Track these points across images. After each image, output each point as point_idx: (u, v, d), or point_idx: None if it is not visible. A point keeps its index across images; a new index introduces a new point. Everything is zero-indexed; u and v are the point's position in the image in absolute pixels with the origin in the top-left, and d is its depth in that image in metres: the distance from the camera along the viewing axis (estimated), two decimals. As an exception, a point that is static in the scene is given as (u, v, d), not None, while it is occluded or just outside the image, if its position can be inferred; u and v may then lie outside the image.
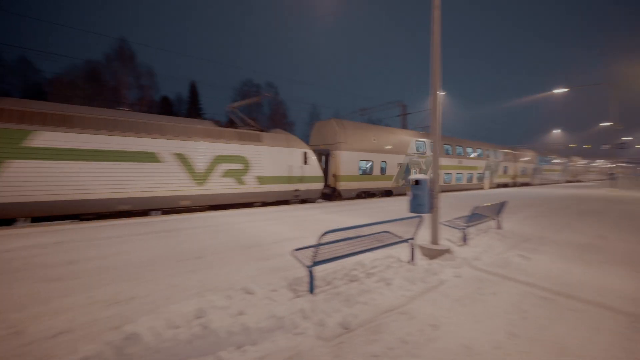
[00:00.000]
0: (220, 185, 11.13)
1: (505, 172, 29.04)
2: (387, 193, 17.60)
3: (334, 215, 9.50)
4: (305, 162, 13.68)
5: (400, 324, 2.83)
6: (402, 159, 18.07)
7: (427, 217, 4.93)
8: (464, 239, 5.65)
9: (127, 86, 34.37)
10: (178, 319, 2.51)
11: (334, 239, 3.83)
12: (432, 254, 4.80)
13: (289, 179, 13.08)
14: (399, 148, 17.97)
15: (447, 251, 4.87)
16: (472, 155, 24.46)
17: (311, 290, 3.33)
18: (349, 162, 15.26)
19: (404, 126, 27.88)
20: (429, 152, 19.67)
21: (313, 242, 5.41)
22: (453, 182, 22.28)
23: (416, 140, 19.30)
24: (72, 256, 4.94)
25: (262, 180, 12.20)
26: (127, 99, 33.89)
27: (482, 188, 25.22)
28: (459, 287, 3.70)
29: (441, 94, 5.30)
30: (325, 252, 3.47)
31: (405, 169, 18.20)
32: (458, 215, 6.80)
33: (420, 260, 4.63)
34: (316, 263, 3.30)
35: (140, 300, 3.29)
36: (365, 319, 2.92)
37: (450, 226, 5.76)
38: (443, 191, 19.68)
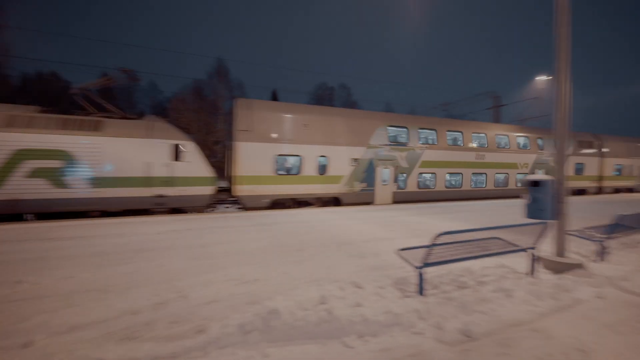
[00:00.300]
0: (24, 189, 8.68)
1: (580, 171, 18.84)
2: (333, 202, 12.41)
3: (421, 217, 9.06)
4: (177, 159, 10.15)
5: (534, 342, 2.53)
6: (359, 152, 12.59)
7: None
8: (600, 254, 4.64)
9: (223, 99, 39.93)
10: (306, 302, 2.82)
11: (441, 242, 3.67)
12: (558, 267, 4.10)
13: (146, 181, 9.82)
14: (354, 137, 12.57)
15: (579, 266, 4.09)
16: (505, 146, 16.28)
17: (421, 292, 3.27)
18: (255, 158, 11.02)
19: (497, 120, 24.49)
20: (413, 143, 13.75)
21: (403, 243, 5.34)
22: (466, 186, 15.24)
23: (388, 127, 13.35)
24: (203, 240, 6.05)
25: (98, 182, 9.36)
26: (223, 110, 39.40)
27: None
28: (607, 311, 3.07)
29: (555, 78, 4.46)
30: (436, 255, 3.36)
31: (367, 168, 12.71)
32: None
33: (543, 274, 4.02)
34: (427, 264, 3.23)
35: (263, 283, 3.80)
36: (488, 329, 2.71)
37: (580, 237, 4.82)
38: (432, 200, 14.19)
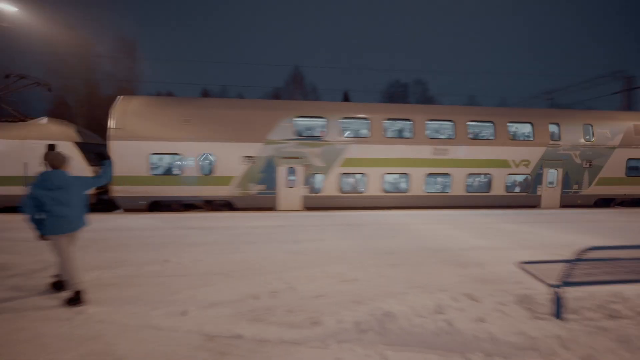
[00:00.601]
0: None
1: (611, 170, 12.56)
2: (227, 205, 11.11)
3: (517, 225, 7.78)
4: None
5: None
6: (254, 149, 10.90)
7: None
8: None
9: (298, 103, 42.52)
10: (421, 309, 2.71)
11: (587, 257, 3.04)
12: None
13: (24, 180, 9.72)
14: (247, 132, 10.94)
15: None
16: (488, 137, 12.19)
17: (558, 315, 2.77)
18: (128, 157, 10.22)
19: (628, 107, 19.32)
20: (332, 137, 11.22)
21: (510, 255, 4.59)
22: (417, 191, 11.63)
23: (295, 118, 11.19)
24: (294, 237, 6.48)
25: None
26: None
27: (534, 204, 12.25)
28: None
29: None
30: (577, 273, 2.80)
31: (265, 167, 10.98)
32: None
33: None
34: (568, 284, 2.71)
35: (364, 283, 3.82)
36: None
37: None
38: (364, 207, 11.16)
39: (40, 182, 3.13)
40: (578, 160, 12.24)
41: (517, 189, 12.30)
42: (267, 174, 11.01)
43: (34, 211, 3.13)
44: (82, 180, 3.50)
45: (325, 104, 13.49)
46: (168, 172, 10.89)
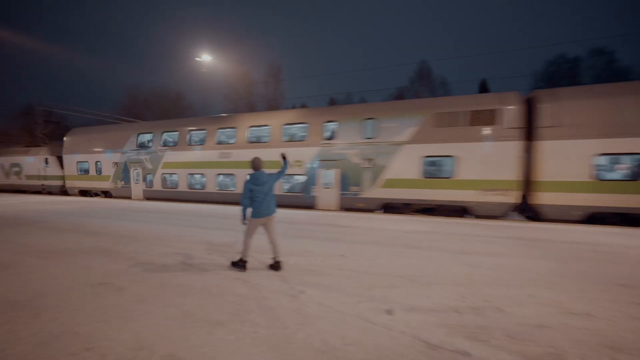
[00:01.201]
0: None
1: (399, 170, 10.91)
2: (107, 194, 17.70)
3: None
4: (47, 164, 20.32)
5: None
6: (117, 157, 16.79)
7: None
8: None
9: (424, 100, 39.67)
10: None
11: None
12: None
13: (40, 177, 21.00)
14: (114, 145, 16.97)
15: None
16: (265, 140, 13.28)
17: None
18: (70, 164, 18.54)
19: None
20: (156, 146, 15.74)
21: None
22: (211, 188, 14.35)
23: (138, 135, 16.42)
24: (458, 247, 5.84)
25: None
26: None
27: (311, 205, 12.24)
28: None
29: None
30: None
31: (124, 169, 16.60)
32: None
33: None
34: None
35: (605, 323, 2.90)
36: None
37: None
38: (178, 199, 15.36)
39: (252, 179, 4.23)
40: (356, 160, 11.36)
41: (295, 190, 12.79)
42: (125, 173, 16.55)
43: (249, 202, 4.21)
44: (274, 177, 4.45)
45: (155, 123, 17.66)
46: (86, 172, 18.58)
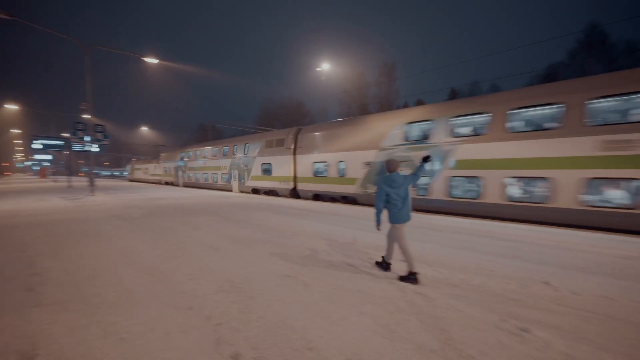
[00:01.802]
0: None
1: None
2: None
3: None
4: None
5: None
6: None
7: None
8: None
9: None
10: None
11: None
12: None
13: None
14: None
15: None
16: None
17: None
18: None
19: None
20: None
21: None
22: None
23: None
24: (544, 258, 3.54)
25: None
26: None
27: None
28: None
29: None
30: None
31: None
32: None
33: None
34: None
35: None
36: None
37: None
38: None
39: (387, 181, 3.91)
40: None
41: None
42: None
43: (383, 206, 3.87)
44: (410, 179, 3.98)
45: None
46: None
